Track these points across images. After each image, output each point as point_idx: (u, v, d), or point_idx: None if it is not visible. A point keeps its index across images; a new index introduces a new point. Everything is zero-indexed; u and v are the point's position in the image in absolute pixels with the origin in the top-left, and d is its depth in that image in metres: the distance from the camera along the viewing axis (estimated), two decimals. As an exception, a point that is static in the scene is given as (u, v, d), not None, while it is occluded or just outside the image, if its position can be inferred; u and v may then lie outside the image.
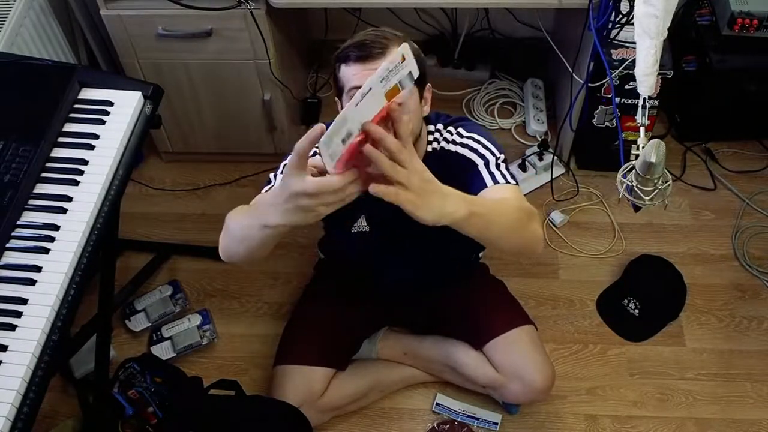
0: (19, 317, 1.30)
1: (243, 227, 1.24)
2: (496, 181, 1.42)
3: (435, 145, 1.52)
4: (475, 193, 1.40)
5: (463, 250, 1.73)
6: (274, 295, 2.15)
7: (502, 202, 1.34)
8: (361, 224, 1.59)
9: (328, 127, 0.94)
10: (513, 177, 1.47)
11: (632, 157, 1.35)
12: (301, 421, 1.70)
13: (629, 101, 2.04)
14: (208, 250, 2.23)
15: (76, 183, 1.45)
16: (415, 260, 1.70)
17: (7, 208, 1.40)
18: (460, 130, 1.52)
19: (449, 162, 1.48)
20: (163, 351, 2.02)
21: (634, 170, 1.34)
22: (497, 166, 1.48)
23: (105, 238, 1.45)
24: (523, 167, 2.32)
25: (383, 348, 1.92)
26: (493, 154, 1.49)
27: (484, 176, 1.45)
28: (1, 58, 1.70)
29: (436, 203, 1.06)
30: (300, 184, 1.00)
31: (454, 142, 1.51)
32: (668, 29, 1.33)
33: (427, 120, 1.52)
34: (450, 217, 1.09)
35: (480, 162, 1.47)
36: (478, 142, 1.50)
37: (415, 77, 1.02)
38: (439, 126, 1.54)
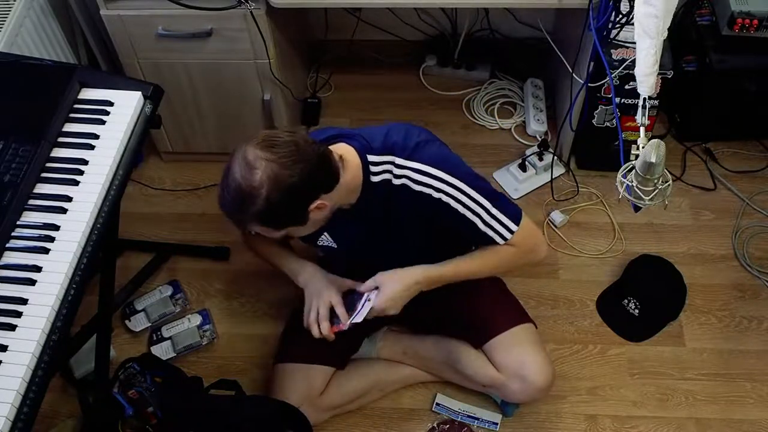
0: (19, 317, 1.30)
1: (272, 263, 1.74)
2: (503, 238, 1.54)
3: (384, 176, 1.47)
4: (478, 240, 1.56)
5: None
6: (274, 295, 2.15)
7: (481, 261, 1.61)
8: (326, 240, 1.61)
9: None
10: (506, 210, 1.53)
11: (632, 157, 1.35)
12: (301, 421, 1.70)
13: (629, 101, 2.04)
14: (208, 250, 2.23)
15: (76, 183, 1.45)
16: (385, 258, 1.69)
17: (7, 208, 1.40)
18: (406, 162, 1.46)
19: (403, 195, 1.48)
20: (163, 351, 2.02)
21: (634, 170, 1.34)
22: (486, 211, 1.51)
23: (105, 238, 1.45)
24: (523, 167, 2.32)
25: (383, 347, 1.92)
26: (460, 190, 1.48)
27: (487, 233, 1.54)
28: (1, 58, 1.70)
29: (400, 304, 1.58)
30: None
31: (407, 178, 1.47)
32: (668, 29, 1.33)
33: (361, 149, 1.46)
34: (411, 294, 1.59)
35: (457, 206, 1.49)
36: (434, 177, 1.47)
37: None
38: (377, 158, 1.47)
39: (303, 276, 1.66)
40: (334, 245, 1.62)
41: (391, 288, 1.57)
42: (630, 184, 1.35)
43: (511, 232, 1.54)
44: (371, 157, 1.47)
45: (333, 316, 1.61)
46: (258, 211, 1.32)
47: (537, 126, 2.44)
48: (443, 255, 1.63)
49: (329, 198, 1.40)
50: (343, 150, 1.45)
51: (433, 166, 1.47)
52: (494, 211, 1.52)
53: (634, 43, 1.36)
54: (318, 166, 1.36)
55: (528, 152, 2.35)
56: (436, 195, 1.48)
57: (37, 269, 1.35)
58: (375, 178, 1.47)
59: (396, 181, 1.48)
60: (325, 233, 1.61)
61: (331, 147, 1.44)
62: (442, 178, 1.47)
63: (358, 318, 1.56)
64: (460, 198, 1.49)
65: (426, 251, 1.62)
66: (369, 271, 1.63)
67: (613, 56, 1.98)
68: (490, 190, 1.52)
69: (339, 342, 1.71)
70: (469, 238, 1.60)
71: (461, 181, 1.48)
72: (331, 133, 1.51)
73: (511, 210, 1.55)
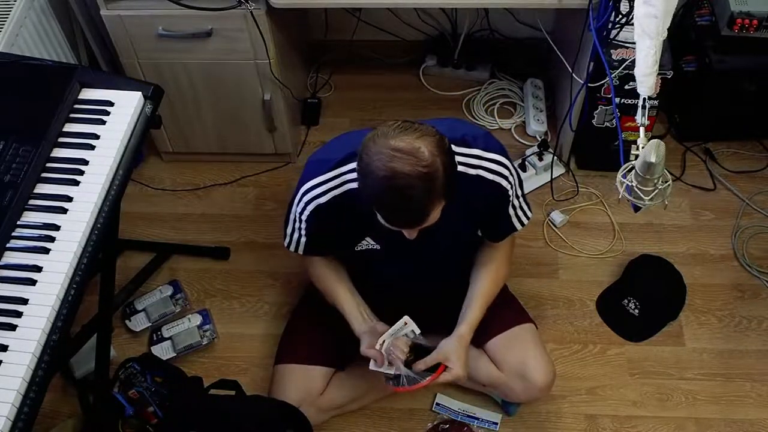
0: (20, 317, 1.30)
1: (328, 298, 1.72)
2: (521, 225, 1.64)
3: (470, 171, 1.48)
4: (502, 230, 1.65)
5: (466, 262, 1.75)
6: (274, 295, 2.15)
7: (494, 280, 1.69)
8: (369, 243, 1.61)
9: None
10: (526, 200, 1.65)
11: (632, 157, 1.35)
12: (301, 421, 1.70)
13: (629, 101, 2.05)
14: (208, 250, 2.23)
15: (76, 183, 1.45)
16: (421, 269, 1.72)
17: (7, 208, 1.39)
18: (481, 152, 1.49)
19: (474, 186, 1.50)
20: (163, 351, 2.02)
21: (634, 170, 1.34)
22: (518, 197, 1.60)
23: (105, 238, 1.45)
24: (523, 167, 2.33)
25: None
26: (515, 178, 1.55)
27: (512, 219, 1.62)
28: (1, 58, 1.70)
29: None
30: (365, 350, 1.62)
31: (482, 168, 1.50)
32: (668, 29, 1.33)
33: None
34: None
35: (511, 192, 1.55)
36: (503, 165, 1.51)
37: (417, 333, 1.62)
38: (464, 150, 1.48)
39: (356, 328, 1.68)
40: (377, 246, 1.61)
41: (459, 359, 1.60)
42: (630, 184, 1.35)
43: (528, 218, 1.65)
44: None
45: (394, 377, 1.63)
46: (443, 184, 1.30)
47: (537, 126, 2.45)
48: (460, 252, 1.71)
49: None
50: None
51: (505, 157, 1.52)
52: (522, 201, 1.62)
53: (634, 43, 1.36)
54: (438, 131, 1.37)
55: (528, 152, 2.35)
56: (505, 184, 1.52)
57: (38, 269, 1.35)
58: None
59: (471, 171, 1.49)
60: (368, 237, 1.59)
61: None
62: (510, 168, 1.52)
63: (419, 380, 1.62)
64: (516, 188, 1.56)
65: (458, 247, 1.68)
66: (400, 275, 1.70)
67: (613, 56, 1.98)
68: None
69: (339, 343, 1.71)
70: (496, 225, 1.64)
71: (517, 172, 1.56)
72: None
73: (527, 200, 1.66)
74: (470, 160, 1.49)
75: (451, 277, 1.74)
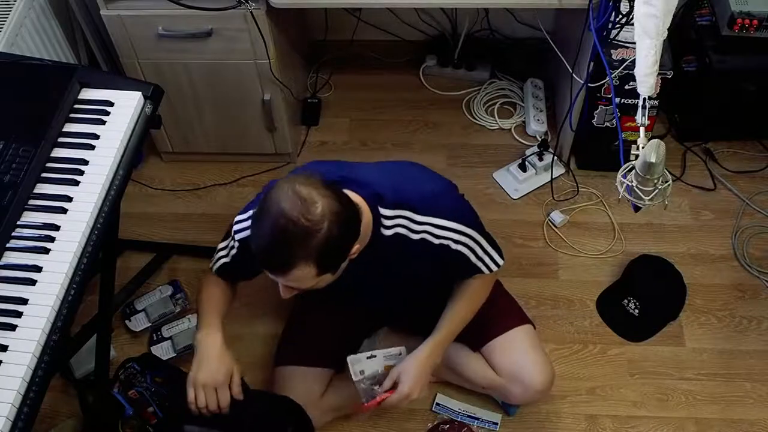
0: (20, 317, 1.30)
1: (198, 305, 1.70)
2: (490, 270, 1.58)
3: (398, 230, 1.45)
4: (470, 273, 1.59)
5: (433, 294, 1.71)
6: (274, 296, 2.13)
7: (468, 304, 1.64)
8: None
9: None
10: (495, 246, 1.59)
11: (632, 157, 1.35)
12: (304, 419, 1.70)
13: (629, 101, 2.05)
14: (208, 250, 2.20)
15: (76, 183, 1.45)
16: (378, 306, 1.74)
17: (7, 208, 1.39)
18: (426, 218, 1.45)
19: (420, 249, 1.47)
20: (163, 351, 2.02)
21: (634, 170, 1.34)
22: (480, 247, 1.54)
23: (105, 238, 1.45)
24: (523, 167, 2.33)
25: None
26: (472, 238, 1.51)
27: (478, 265, 1.56)
28: (1, 58, 1.70)
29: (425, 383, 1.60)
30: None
31: (427, 233, 1.46)
32: (668, 29, 1.33)
33: (371, 199, 1.42)
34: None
35: (469, 253, 1.52)
36: (449, 229, 1.47)
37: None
38: (390, 212, 1.44)
39: (201, 334, 1.61)
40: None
41: (410, 379, 1.57)
42: (630, 184, 1.35)
43: (498, 265, 1.60)
44: (383, 211, 1.43)
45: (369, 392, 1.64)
46: (317, 249, 1.24)
47: (537, 126, 2.44)
48: (425, 290, 1.68)
49: (359, 243, 1.37)
50: (354, 199, 1.39)
51: (453, 220, 1.47)
52: (489, 248, 1.57)
53: (634, 43, 1.36)
54: (356, 209, 1.35)
55: (528, 152, 2.35)
56: (454, 246, 1.49)
57: (38, 269, 1.35)
58: (386, 232, 1.44)
59: (414, 236, 1.46)
60: None
61: None
62: (461, 230, 1.49)
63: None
64: (473, 246, 1.52)
65: (416, 290, 1.66)
66: (357, 307, 1.71)
67: (613, 56, 1.98)
68: (484, 229, 1.57)
69: (338, 344, 1.71)
70: (460, 273, 1.62)
71: (474, 230, 1.52)
72: (334, 177, 1.41)
73: (497, 245, 1.60)
74: (413, 225, 1.45)
75: (416, 313, 1.71)
